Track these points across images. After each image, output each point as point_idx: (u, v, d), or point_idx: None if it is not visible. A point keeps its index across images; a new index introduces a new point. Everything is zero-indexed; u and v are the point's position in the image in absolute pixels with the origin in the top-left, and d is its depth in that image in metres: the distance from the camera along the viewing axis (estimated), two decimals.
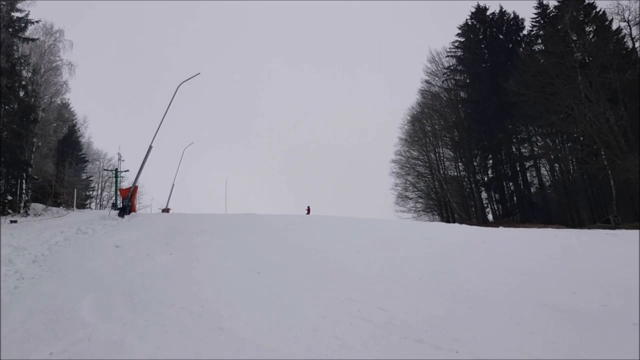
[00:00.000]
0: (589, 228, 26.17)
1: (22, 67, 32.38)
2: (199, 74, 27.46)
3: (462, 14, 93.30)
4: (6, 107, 30.74)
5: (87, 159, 57.79)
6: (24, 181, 32.16)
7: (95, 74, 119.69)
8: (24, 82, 32.62)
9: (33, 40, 33.28)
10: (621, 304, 6.89)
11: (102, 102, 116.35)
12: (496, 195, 49.01)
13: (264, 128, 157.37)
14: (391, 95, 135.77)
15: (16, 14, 32.22)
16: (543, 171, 45.52)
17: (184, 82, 26.74)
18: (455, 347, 5.19)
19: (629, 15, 34.82)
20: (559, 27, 38.64)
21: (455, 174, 51.60)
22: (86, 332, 5.68)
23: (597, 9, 38.40)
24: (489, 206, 49.65)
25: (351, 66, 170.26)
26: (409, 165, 54.38)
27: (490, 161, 48.80)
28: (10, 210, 29.28)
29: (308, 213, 34.83)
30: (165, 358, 4.90)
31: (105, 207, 51.13)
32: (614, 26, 37.50)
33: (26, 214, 29.99)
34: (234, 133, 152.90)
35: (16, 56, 31.84)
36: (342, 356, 4.98)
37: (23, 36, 32.79)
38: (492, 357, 4.93)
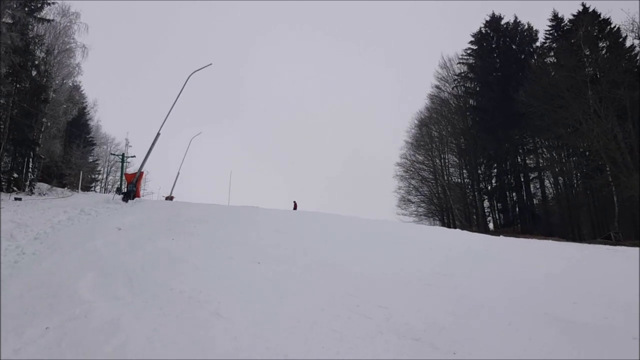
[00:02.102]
0: (590, 243, 26.03)
1: (35, 47, 32.44)
2: (211, 64, 27.37)
3: (473, 15, 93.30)
4: (18, 85, 30.83)
5: (94, 142, 57.89)
6: (30, 160, 32.25)
7: (107, 57, 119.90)
8: (37, 62, 32.73)
9: (48, 21, 33.33)
10: (622, 317, 6.83)
11: (112, 86, 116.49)
12: (499, 205, 48.95)
13: (270, 125, 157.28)
14: (396, 89, 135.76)
15: None
16: (547, 183, 45.42)
17: (195, 72, 26.69)
18: (454, 349, 5.16)
19: None
20: (573, 41, 38.42)
21: (459, 180, 51.54)
22: (83, 309, 5.68)
23: (612, 25, 38.21)
24: (491, 215, 49.59)
25: (361, 62, 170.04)
26: (413, 169, 54.33)
27: (495, 170, 48.71)
28: (15, 188, 29.40)
29: (295, 209, 33.78)
30: (161, 340, 4.88)
31: (110, 191, 51.23)
32: (628, 43, 37.32)
33: (31, 192, 30.06)
34: (240, 127, 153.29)
35: (30, 35, 31.90)
36: (340, 350, 4.95)
37: (38, 16, 32.86)
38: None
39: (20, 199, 22.34)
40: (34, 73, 32.61)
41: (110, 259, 8.61)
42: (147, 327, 5.22)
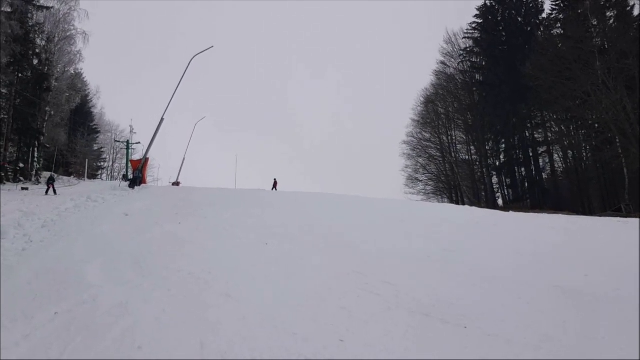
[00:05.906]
0: (600, 216, 25.85)
1: (36, 35, 32.31)
2: (212, 47, 27.22)
3: None
4: (20, 74, 30.78)
5: (99, 130, 57.93)
6: (36, 149, 32.37)
7: (109, 43, 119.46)
8: (37, 50, 32.61)
9: (47, 8, 33.10)
10: (633, 288, 6.75)
11: (114, 74, 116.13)
12: (507, 180, 48.61)
13: (274, 108, 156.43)
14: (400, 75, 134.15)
15: None
16: (556, 157, 44.91)
17: (196, 55, 26.53)
18: (464, 323, 5.11)
19: None
20: (579, 12, 37.63)
21: (467, 157, 51.16)
22: (92, 293, 5.66)
23: None
24: (500, 191, 49.31)
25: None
26: (420, 147, 53.99)
27: (503, 145, 48.24)
28: (21, 178, 29.56)
29: (274, 188, 31.36)
30: (170, 320, 4.86)
31: (116, 179, 51.40)
32: (636, 12, 36.46)
33: (37, 181, 30.26)
34: (248, 110, 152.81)
35: (30, 24, 31.73)
36: (349, 327, 4.91)
37: (37, 4, 32.64)
38: (501, 333, 4.84)
39: (27, 189, 22.49)
40: (35, 62, 32.53)
41: (118, 244, 8.61)
42: (156, 308, 5.19)
